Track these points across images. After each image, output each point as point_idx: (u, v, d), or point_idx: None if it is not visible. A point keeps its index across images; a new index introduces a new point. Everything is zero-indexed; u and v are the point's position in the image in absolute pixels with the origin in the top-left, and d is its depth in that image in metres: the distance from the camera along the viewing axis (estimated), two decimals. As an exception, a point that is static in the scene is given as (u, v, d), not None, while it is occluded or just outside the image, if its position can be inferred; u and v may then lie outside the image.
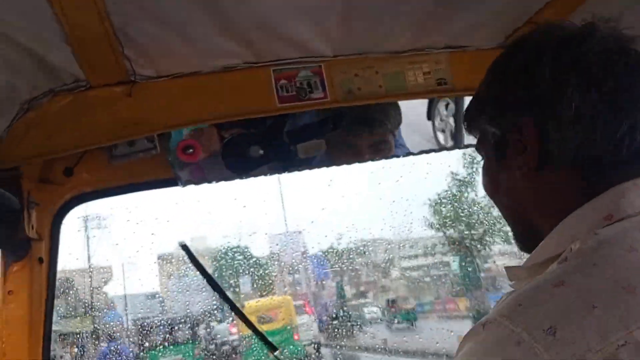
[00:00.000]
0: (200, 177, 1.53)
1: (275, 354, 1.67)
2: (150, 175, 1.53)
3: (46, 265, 1.38)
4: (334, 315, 20.43)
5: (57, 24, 1.02)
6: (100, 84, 1.28)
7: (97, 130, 1.33)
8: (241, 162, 1.53)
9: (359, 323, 20.48)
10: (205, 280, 1.64)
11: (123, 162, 1.44)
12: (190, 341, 16.11)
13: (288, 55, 1.35)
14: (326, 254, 23.08)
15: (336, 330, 19.06)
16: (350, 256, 22.90)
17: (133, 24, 1.10)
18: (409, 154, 1.65)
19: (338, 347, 18.58)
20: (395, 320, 20.97)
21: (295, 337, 15.51)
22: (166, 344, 15.97)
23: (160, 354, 15.56)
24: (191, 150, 1.46)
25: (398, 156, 1.64)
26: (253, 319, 14.85)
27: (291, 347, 15.51)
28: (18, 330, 1.29)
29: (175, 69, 1.31)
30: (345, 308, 22.48)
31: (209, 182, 1.55)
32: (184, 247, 1.69)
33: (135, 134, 1.38)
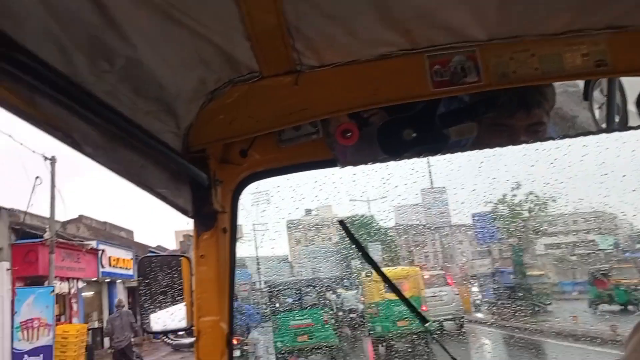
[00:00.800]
0: (357, 158, 1.66)
1: (426, 325, 1.77)
2: (312, 156, 1.69)
3: (229, 234, 1.61)
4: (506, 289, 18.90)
5: (241, 23, 1.19)
6: (271, 74, 1.45)
7: (267, 117, 1.51)
8: (395, 145, 1.63)
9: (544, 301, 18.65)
10: (360, 254, 1.79)
11: (289, 145, 1.61)
12: (319, 307, 15.97)
13: (442, 42, 1.41)
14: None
15: (508, 307, 17.72)
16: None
17: (304, 20, 1.25)
18: (565, 136, 1.64)
19: (511, 328, 17.04)
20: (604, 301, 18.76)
21: (423, 308, 14.94)
22: (296, 308, 16.19)
23: (289, 317, 15.74)
24: (349, 134, 1.59)
25: (553, 138, 1.63)
26: (381, 286, 14.33)
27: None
28: (209, 289, 1.53)
29: (337, 58, 1.44)
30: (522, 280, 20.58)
31: (365, 163, 1.67)
32: (341, 223, 1.84)
33: (301, 120, 1.53)
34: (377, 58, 1.44)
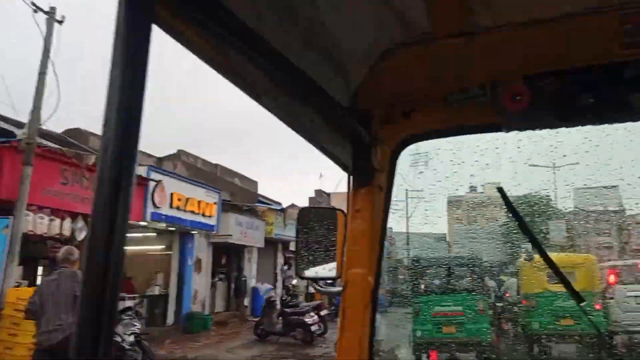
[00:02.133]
0: (525, 123, 1.58)
1: (582, 305, 1.66)
2: (476, 120, 1.66)
3: (385, 192, 1.66)
4: None
5: None
6: (444, 35, 1.44)
7: (435, 79, 1.52)
8: (570, 110, 1.52)
9: None
10: (518, 224, 1.72)
11: (454, 107, 1.59)
12: (475, 293, 12.79)
13: None
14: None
15: None
16: None
17: None
18: None
19: None
20: None
21: (596, 307, 11.82)
22: (445, 290, 13.11)
23: (433, 302, 12.68)
24: (519, 98, 1.52)
25: None
26: (543, 274, 11.97)
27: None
28: (361, 243, 1.60)
29: (516, 17, 1.38)
30: None
31: (533, 129, 1.58)
32: (500, 190, 1.78)
33: (471, 82, 1.51)
34: (560, 17, 1.36)
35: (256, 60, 1.01)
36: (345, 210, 1.70)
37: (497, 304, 14.17)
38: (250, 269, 23.00)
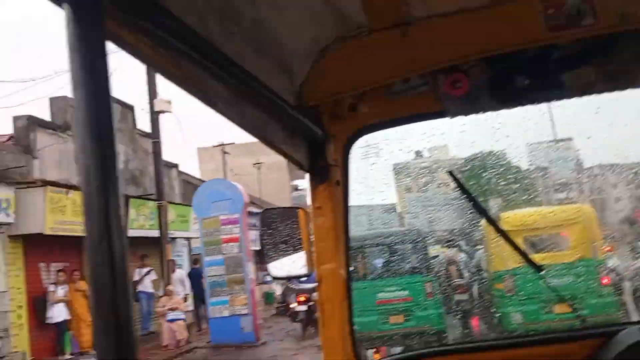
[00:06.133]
0: (468, 108, 1.72)
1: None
2: (421, 108, 1.79)
3: (342, 187, 1.77)
4: None
5: None
6: (379, 27, 1.56)
7: (376, 71, 1.63)
8: (508, 93, 1.67)
9: None
10: (472, 205, 1.86)
11: (398, 98, 1.71)
12: (422, 273, 10.81)
13: None
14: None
15: None
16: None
17: None
18: None
19: None
20: None
21: (604, 281, 8.88)
22: (388, 274, 11.07)
23: (376, 288, 10.73)
24: (459, 84, 1.65)
25: None
26: (520, 242, 8.97)
27: (594, 300, 8.23)
28: (327, 238, 1.72)
29: (447, 8, 1.51)
30: None
31: (476, 112, 1.73)
32: (450, 173, 1.93)
33: (410, 72, 1.63)
34: (487, 5, 1.50)
35: (206, 66, 1.08)
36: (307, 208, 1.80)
37: (450, 285, 11.48)
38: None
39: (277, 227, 1.90)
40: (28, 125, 13.69)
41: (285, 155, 1.63)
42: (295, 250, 1.84)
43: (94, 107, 0.70)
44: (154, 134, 16.64)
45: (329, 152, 1.72)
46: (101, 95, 0.71)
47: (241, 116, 1.36)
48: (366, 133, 1.87)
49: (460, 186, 1.91)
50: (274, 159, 37.56)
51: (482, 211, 1.90)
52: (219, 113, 1.26)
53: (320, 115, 1.70)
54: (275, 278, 2.02)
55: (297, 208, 1.91)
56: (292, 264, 1.84)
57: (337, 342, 1.69)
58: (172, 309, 14.42)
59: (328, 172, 1.74)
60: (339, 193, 1.77)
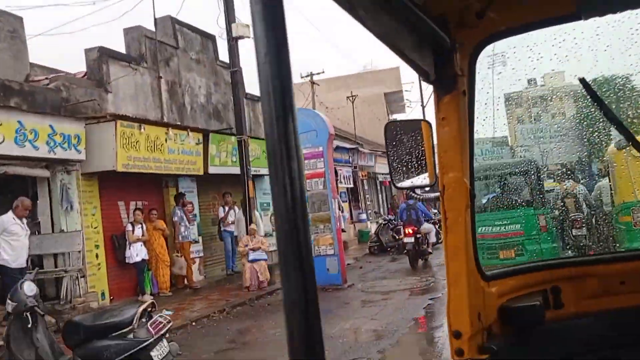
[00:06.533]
0: (605, 7, 1.62)
1: None
2: (552, 12, 1.71)
3: (468, 97, 1.77)
4: None
5: None
6: None
7: None
8: None
9: None
10: (604, 114, 1.78)
11: (527, 2, 1.65)
12: (536, 207, 10.20)
13: None
14: None
15: None
16: None
17: None
18: None
19: None
20: None
21: None
22: (497, 208, 10.61)
23: (483, 222, 10.19)
24: None
25: None
26: None
27: None
28: (452, 148, 1.74)
29: None
30: None
31: (614, 12, 1.63)
32: (582, 81, 1.85)
33: None
34: None
35: None
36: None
37: (568, 220, 10.75)
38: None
39: (401, 140, 1.95)
40: (100, 57, 12.91)
41: (413, 65, 1.64)
42: (419, 162, 1.89)
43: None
44: (233, 63, 15.65)
45: (456, 61, 1.71)
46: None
47: (379, 24, 1.37)
48: (493, 41, 1.83)
49: (594, 96, 1.82)
50: (369, 92, 37.12)
51: (618, 123, 1.80)
52: (359, 21, 1.27)
53: (447, 23, 1.68)
54: (399, 188, 2.09)
55: (421, 120, 1.93)
56: (417, 176, 1.89)
57: (460, 248, 1.74)
58: (254, 249, 14.01)
59: (454, 82, 1.73)
60: (464, 103, 1.78)
